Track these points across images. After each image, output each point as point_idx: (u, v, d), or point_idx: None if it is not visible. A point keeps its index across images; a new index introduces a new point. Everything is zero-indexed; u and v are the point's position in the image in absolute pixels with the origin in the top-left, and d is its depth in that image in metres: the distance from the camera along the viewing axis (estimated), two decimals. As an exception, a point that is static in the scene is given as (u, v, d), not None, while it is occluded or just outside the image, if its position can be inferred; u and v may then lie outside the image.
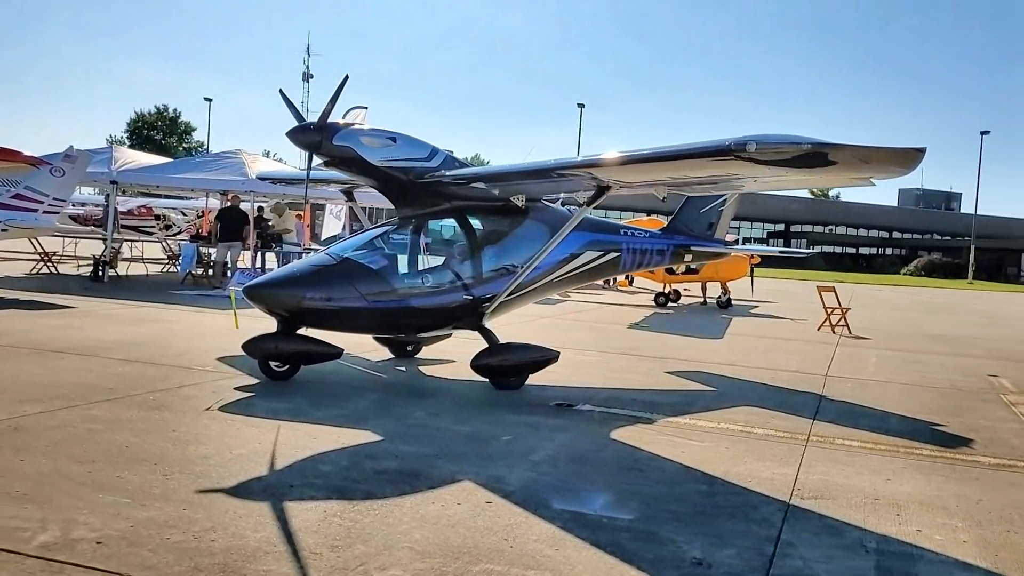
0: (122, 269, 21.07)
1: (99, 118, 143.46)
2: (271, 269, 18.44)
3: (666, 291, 21.76)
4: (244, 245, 19.39)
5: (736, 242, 27.53)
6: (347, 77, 7.99)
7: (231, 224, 19.13)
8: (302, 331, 8.33)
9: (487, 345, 8.60)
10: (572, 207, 10.15)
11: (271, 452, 5.66)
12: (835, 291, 17.09)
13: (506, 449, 6.11)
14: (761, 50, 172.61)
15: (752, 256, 22.41)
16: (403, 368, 9.52)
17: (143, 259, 24.55)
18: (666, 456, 6.16)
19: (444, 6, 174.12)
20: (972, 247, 63.03)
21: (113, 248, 19.75)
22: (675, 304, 21.98)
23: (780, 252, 35.41)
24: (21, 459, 5.15)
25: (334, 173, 9.28)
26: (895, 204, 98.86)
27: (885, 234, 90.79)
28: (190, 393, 7.40)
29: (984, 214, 68.53)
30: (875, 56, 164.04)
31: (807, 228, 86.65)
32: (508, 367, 8.50)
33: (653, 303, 21.44)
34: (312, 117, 8.42)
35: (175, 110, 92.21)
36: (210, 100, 71.92)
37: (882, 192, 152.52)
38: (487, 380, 8.52)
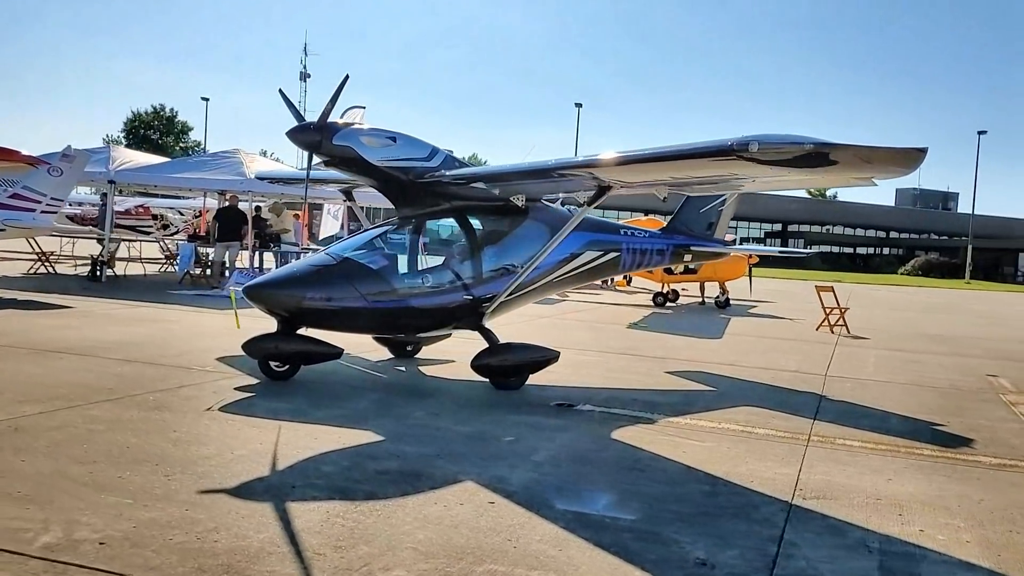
0: (120, 269, 21.04)
1: (99, 117, 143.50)
2: (269, 269, 18.44)
3: (664, 291, 21.76)
4: (242, 245, 19.36)
5: (734, 242, 27.55)
6: (347, 77, 7.99)
7: (229, 224, 19.11)
8: (302, 331, 8.33)
9: (487, 345, 8.60)
10: (572, 207, 10.15)
11: (272, 452, 5.65)
12: (834, 291, 17.11)
13: (507, 449, 6.10)
14: (760, 50, 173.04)
15: (750, 256, 22.43)
16: (403, 368, 9.51)
17: (141, 259, 24.51)
18: (668, 456, 6.16)
19: (443, 5, 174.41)
20: (969, 247, 63.14)
21: (110, 249, 19.71)
22: (673, 304, 21.99)
23: (780, 252, 35.42)
24: (22, 459, 5.14)
25: (334, 173, 9.26)
26: (892, 204, 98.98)
27: (882, 234, 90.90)
28: (190, 393, 7.38)
29: (981, 214, 68.61)
30: (874, 56, 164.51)
31: (804, 228, 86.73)
32: (508, 367, 8.50)
33: (651, 303, 21.45)
34: (309, 117, 8.42)
35: (172, 109, 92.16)
36: (207, 100, 72.04)
37: (879, 192, 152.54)
38: (487, 380, 8.51)
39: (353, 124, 8.42)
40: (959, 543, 4.62)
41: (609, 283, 26.66)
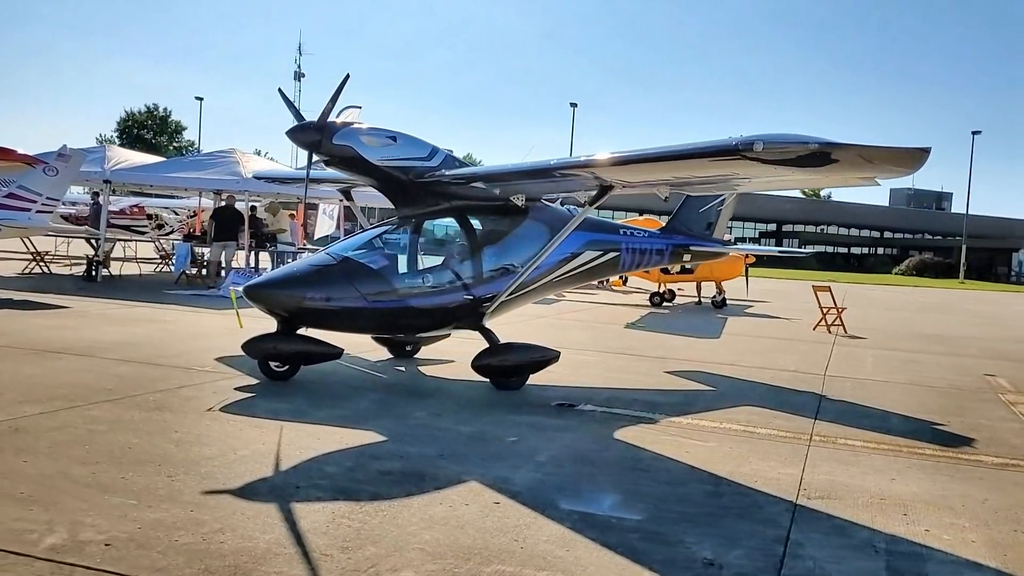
0: (115, 269, 20.96)
1: (95, 117, 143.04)
2: (265, 269, 18.40)
3: (661, 290, 21.77)
4: (239, 245, 19.31)
5: (730, 242, 27.54)
6: (347, 76, 7.97)
7: (226, 223, 19.07)
8: (302, 331, 8.30)
9: (487, 345, 8.58)
10: (572, 207, 10.14)
11: (275, 453, 5.63)
12: (831, 291, 17.13)
13: (510, 449, 6.09)
14: (757, 50, 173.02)
15: (747, 256, 22.44)
16: (403, 368, 9.49)
17: (136, 259, 24.43)
18: (671, 456, 6.15)
19: (441, 5, 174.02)
20: (963, 247, 63.33)
21: (104, 249, 19.63)
22: (670, 304, 22.00)
23: (779, 252, 35.44)
24: (24, 460, 5.11)
25: (332, 172, 9.24)
26: (887, 204, 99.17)
27: (877, 234, 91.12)
28: (190, 394, 7.35)
29: (975, 214, 68.85)
30: (870, 56, 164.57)
31: (799, 228, 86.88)
32: (509, 367, 8.48)
33: (648, 303, 21.46)
34: (305, 117, 8.39)
35: (165, 109, 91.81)
36: (201, 99, 71.79)
37: (874, 192, 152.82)
38: (487, 380, 8.50)
39: (352, 124, 8.40)
40: (965, 543, 4.63)
41: (605, 283, 26.65)
